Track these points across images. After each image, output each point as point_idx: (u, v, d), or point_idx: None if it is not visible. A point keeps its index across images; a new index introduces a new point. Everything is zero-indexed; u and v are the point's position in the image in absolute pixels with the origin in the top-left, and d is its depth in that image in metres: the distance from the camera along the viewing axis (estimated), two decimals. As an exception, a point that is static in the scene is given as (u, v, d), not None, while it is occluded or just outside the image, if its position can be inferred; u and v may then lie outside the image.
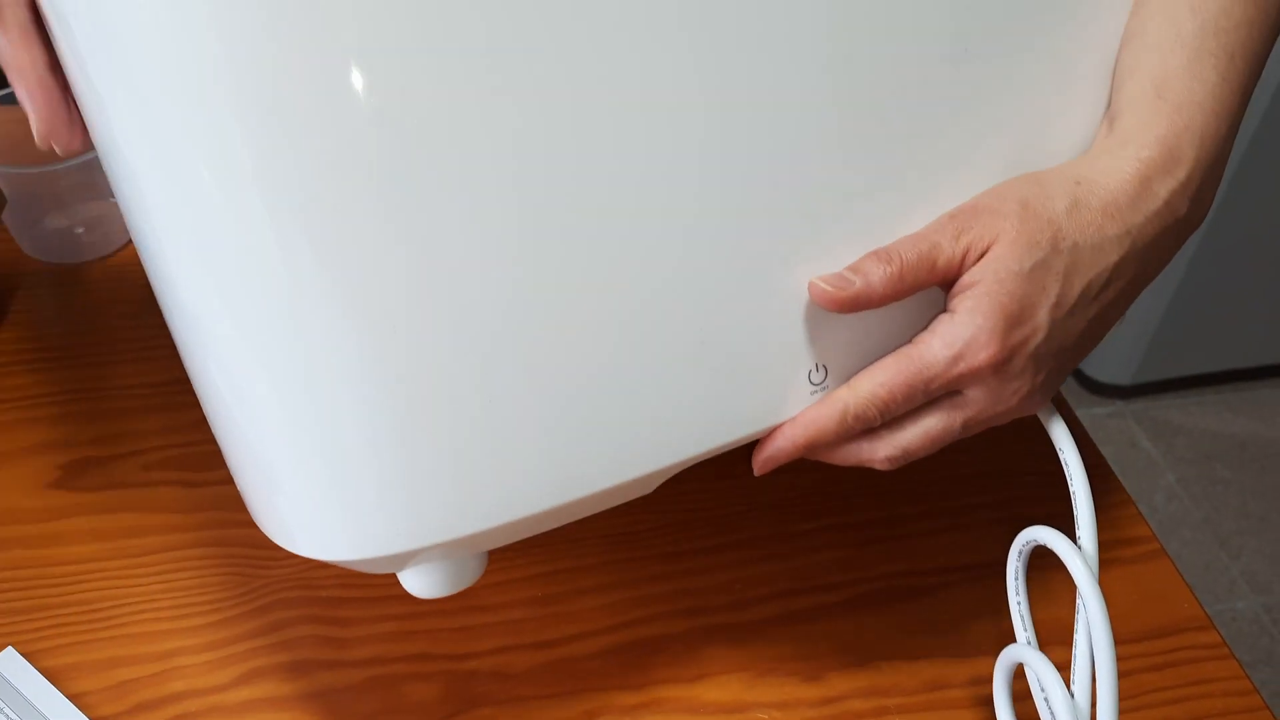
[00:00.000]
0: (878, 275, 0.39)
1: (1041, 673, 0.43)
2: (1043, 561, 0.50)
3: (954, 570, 0.55)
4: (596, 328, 0.38)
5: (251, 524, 0.54)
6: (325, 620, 0.51)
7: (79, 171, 0.63)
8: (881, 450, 0.42)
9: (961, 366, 0.40)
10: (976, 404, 0.41)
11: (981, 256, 0.40)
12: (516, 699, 0.49)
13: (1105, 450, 1.67)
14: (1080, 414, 1.72)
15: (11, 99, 0.64)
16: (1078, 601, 0.43)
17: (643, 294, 0.38)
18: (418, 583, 0.42)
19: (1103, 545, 0.55)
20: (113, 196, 0.66)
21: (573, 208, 0.36)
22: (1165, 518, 1.61)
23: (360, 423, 0.36)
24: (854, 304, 0.39)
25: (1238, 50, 0.40)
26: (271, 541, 0.54)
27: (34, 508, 0.54)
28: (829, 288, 0.39)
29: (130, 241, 0.68)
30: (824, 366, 0.42)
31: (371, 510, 0.38)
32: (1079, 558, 0.43)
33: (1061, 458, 0.47)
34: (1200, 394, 1.77)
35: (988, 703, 0.50)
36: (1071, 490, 0.46)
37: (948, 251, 0.39)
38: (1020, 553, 0.47)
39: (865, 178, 0.40)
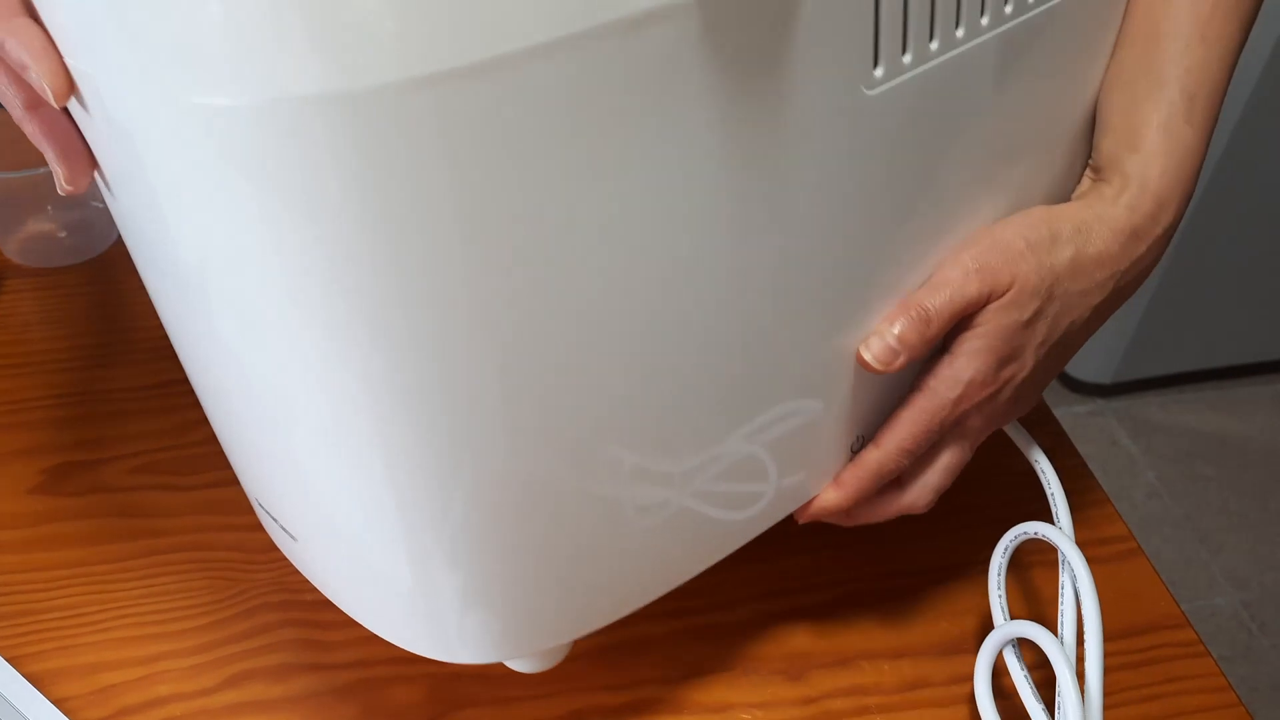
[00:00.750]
0: (918, 339, 0.42)
1: (1038, 637, 0.46)
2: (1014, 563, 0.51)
3: (933, 571, 0.55)
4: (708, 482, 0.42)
5: (234, 528, 0.55)
6: (309, 624, 0.52)
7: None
8: (921, 500, 0.47)
9: (965, 405, 0.44)
10: (976, 428, 0.46)
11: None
12: (501, 700, 0.49)
13: (1086, 449, 1.68)
14: (1062, 412, 1.73)
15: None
16: (1061, 578, 0.47)
17: (747, 436, 0.42)
18: (524, 665, 0.47)
19: (1079, 544, 0.55)
20: (95, 201, 0.66)
21: (667, 360, 0.37)
22: (1146, 515, 1.62)
23: (523, 561, 0.40)
24: (899, 368, 0.43)
25: (1198, 92, 0.43)
26: (254, 545, 0.54)
27: (18, 512, 0.54)
28: (878, 365, 0.42)
29: (111, 246, 0.68)
30: (862, 436, 0.47)
31: (522, 621, 0.42)
32: (1067, 539, 0.48)
33: (1036, 467, 0.50)
34: (1180, 392, 1.78)
35: (968, 700, 0.50)
36: (1049, 492, 0.50)
37: (975, 302, 0.43)
38: (1006, 548, 0.50)
39: (902, 265, 0.42)
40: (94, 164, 0.34)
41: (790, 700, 0.50)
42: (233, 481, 0.56)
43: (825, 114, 0.35)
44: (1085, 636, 0.46)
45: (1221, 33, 0.43)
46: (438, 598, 0.40)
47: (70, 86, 0.30)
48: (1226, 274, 1.60)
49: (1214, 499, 1.64)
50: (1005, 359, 0.44)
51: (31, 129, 0.33)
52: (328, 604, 0.52)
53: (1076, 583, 0.48)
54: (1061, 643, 0.46)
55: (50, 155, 0.33)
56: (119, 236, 0.68)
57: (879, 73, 0.36)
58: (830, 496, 0.47)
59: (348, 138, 0.28)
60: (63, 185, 0.34)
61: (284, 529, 0.44)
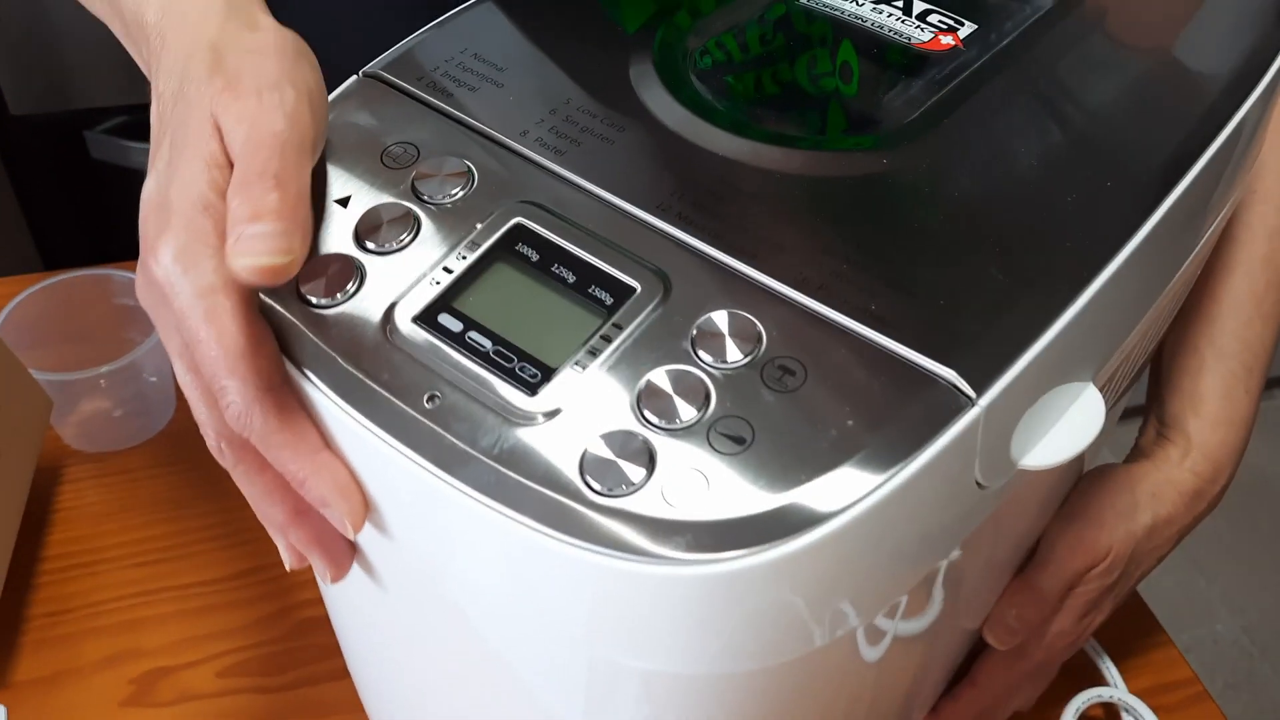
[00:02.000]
0: (1037, 618, 0.48)
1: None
2: None
3: None
4: None
5: (328, 731, 0.56)
6: (413, 829, 0.52)
7: (122, 370, 0.63)
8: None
9: (1050, 651, 0.50)
10: (1056, 662, 0.52)
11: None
12: None
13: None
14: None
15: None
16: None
17: None
18: None
19: (1143, 691, 0.57)
20: (150, 375, 0.66)
21: None
22: (1143, 544, 1.65)
23: None
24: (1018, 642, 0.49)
25: (1255, 364, 0.48)
26: (350, 748, 0.55)
27: (112, 729, 0.55)
28: (1001, 645, 0.48)
29: (165, 424, 0.68)
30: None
31: None
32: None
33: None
34: (1169, 419, 1.82)
35: None
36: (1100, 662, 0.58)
37: (1079, 573, 0.47)
38: (1077, 709, 0.55)
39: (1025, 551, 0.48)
40: (354, 554, 0.35)
41: None
42: (318, 680, 0.57)
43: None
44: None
45: (1274, 310, 0.48)
46: None
47: (365, 518, 0.31)
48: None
49: (1209, 526, 1.67)
50: (1088, 613, 0.49)
51: (297, 536, 0.33)
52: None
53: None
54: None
55: (315, 559, 0.34)
56: (175, 413, 0.68)
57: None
58: None
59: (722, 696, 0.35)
60: (326, 580, 0.35)
61: None
